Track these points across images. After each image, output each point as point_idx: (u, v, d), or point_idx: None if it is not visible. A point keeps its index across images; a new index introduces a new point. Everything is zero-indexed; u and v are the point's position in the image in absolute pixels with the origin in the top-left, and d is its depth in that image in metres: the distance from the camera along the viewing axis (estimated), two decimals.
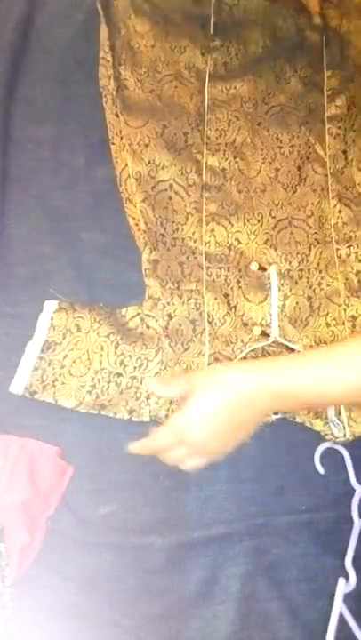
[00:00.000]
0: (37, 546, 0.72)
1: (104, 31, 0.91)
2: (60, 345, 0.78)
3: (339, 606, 0.73)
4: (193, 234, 0.84)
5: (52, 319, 0.79)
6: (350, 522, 0.77)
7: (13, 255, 0.85)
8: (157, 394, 0.72)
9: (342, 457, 0.78)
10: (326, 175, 0.88)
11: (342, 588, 0.73)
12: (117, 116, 0.87)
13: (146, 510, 0.76)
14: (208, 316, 0.81)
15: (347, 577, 0.74)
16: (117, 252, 0.84)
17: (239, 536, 0.76)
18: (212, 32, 0.93)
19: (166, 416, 0.77)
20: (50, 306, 0.80)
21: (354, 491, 0.77)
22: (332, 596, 0.74)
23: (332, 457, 0.79)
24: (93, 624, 0.72)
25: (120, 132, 0.86)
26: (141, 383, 0.77)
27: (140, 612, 0.73)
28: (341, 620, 0.73)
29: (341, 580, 0.74)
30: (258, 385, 0.64)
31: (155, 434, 0.67)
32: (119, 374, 0.77)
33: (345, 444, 0.79)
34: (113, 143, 0.86)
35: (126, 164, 0.84)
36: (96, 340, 0.78)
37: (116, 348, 0.78)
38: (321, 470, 0.78)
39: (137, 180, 0.83)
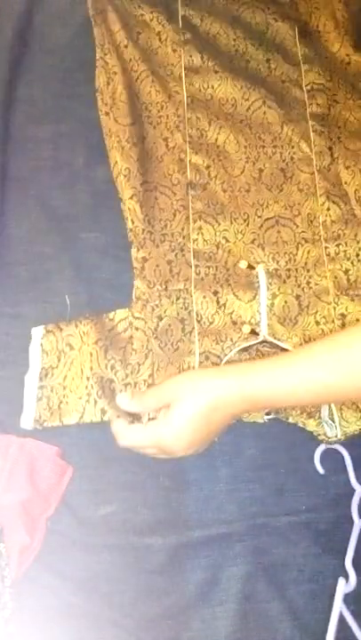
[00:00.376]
0: (37, 546, 0.71)
1: (98, 33, 0.91)
2: (57, 368, 0.76)
3: (339, 606, 0.73)
4: (182, 229, 0.84)
5: (41, 345, 0.77)
6: (350, 522, 0.76)
7: (13, 255, 0.85)
8: (129, 410, 0.71)
9: (342, 457, 0.78)
10: (313, 173, 0.88)
11: (342, 588, 0.73)
12: (107, 114, 0.87)
13: (146, 511, 0.76)
14: (197, 314, 0.80)
15: (347, 577, 0.74)
16: (117, 252, 0.83)
17: (239, 536, 0.76)
18: (181, 26, 0.93)
19: None
20: (37, 333, 0.78)
21: (354, 491, 0.77)
22: (332, 596, 0.73)
23: (332, 457, 0.79)
24: (93, 624, 0.72)
25: (110, 130, 0.86)
26: (136, 387, 0.77)
27: (139, 612, 0.73)
28: (341, 620, 0.73)
29: (341, 581, 0.74)
30: (231, 390, 0.66)
31: (133, 432, 0.70)
32: (111, 380, 0.76)
33: (345, 444, 0.78)
34: (106, 142, 0.87)
35: (116, 162, 0.84)
36: (86, 350, 0.77)
37: (105, 352, 0.76)
38: (321, 470, 0.78)
39: (126, 176, 0.83)
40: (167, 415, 0.67)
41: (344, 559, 0.75)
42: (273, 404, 0.71)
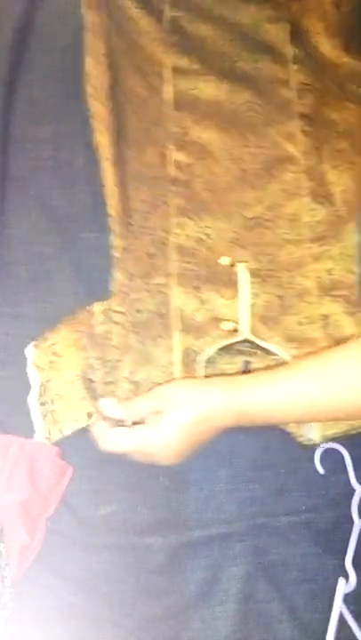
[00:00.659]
0: (37, 546, 0.71)
1: (88, 17, 0.91)
2: (51, 382, 0.75)
3: (339, 606, 0.73)
4: (163, 223, 0.83)
5: (34, 363, 0.76)
6: (350, 522, 0.76)
7: (13, 255, 0.85)
8: (114, 417, 0.71)
9: (342, 457, 0.78)
10: (299, 173, 0.87)
11: (342, 588, 0.73)
12: (92, 96, 0.87)
13: (146, 511, 0.76)
14: (177, 310, 0.80)
15: (347, 577, 0.74)
16: None
17: (239, 536, 0.76)
18: (169, 27, 0.93)
19: None
20: (29, 352, 0.77)
21: (354, 491, 0.77)
22: (332, 596, 0.73)
23: (332, 457, 0.78)
24: (93, 624, 0.72)
25: (96, 112, 0.86)
26: (117, 385, 0.76)
27: (139, 612, 0.73)
28: (342, 620, 0.73)
29: (341, 581, 0.74)
30: (221, 403, 0.66)
31: (117, 436, 0.70)
32: (91, 380, 0.75)
33: (345, 444, 0.78)
34: (92, 124, 0.86)
35: (102, 145, 0.84)
36: (68, 350, 0.76)
37: (85, 351, 0.76)
38: (321, 470, 0.78)
39: (108, 160, 0.83)
40: (158, 422, 0.67)
41: (344, 559, 0.75)
42: (263, 419, 0.70)
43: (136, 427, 0.70)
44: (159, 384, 0.76)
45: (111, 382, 0.76)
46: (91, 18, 0.91)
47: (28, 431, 0.74)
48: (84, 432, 0.76)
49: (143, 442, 0.68)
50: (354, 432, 0.76)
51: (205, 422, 0.66)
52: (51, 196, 0.87)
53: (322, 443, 0.76)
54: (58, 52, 0.91)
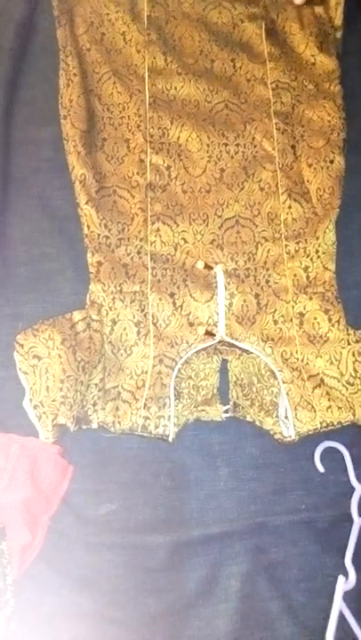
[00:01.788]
0: (38, 545, 0.72)
1: (61, 35, 0.92)
2: (36, 384, 0.75)
3: (338, 604, 0.73)
4: (139, 232, 0.83)
5: (20, 370, 0.75)
6: (350, 520, 0.77)
7: (14, 255, 0.85)
8: None
9: (342, 456, 0.79)
10: (275, 171, 0.88)
11: (342, 586, 0.74)
12: (65, 118, 0.87)
13: (146, 509, 0.76)
14: (153, 317, 0.80)
15: (346, 575, 0.74)
16: None
17: (239, 535, 0.76)
18: (146, 26, 0.93)
19: (113, 422, 0.75)
20: (16, 358, 0.76)
21: (353, 489, 0.78)
22: (331, 594, 0.74)
23: (331, 456, 0.79)
24: (94, 623, 0.72)
25: (67, 134, 0.86)
26: (88, 390, 0.76)
27: (140, 610, 0.73)
28: (341, 618, 0.73)
29: (341, 579, 0.74)
30: None
31: None
32: (82, 382, 0.75)
33: (345, 444, 0.79)
34: (65, 146, 0.87)
35: (73, 167, 0.84)
36: (55, 353, 0.75)
37: (75, 354, 0.75)
38: (321, 469, 0.78)
39: (81, 182, 0.83)
40: None
41: (344, 557, 0.75)
42: None
43: None
44: (129, 392, 0.76)
45: (83, 384, 0.76)
46: (61, 35, 0.91)
47: (29, 431, 0.75)
48: (85, 431, 0.76)
49: None
50: (328, 428, 0.76)
51: None
52: (52, 196, 0.87)
53: (297, 439, 0.76)
54: (58, 53, 0.91)
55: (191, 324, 0.80)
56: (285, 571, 0.76)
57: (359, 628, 0.73)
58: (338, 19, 0.98)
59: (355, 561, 0.75)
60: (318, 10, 0.99)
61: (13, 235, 0.86)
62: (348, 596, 0.74)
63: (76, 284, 0.83)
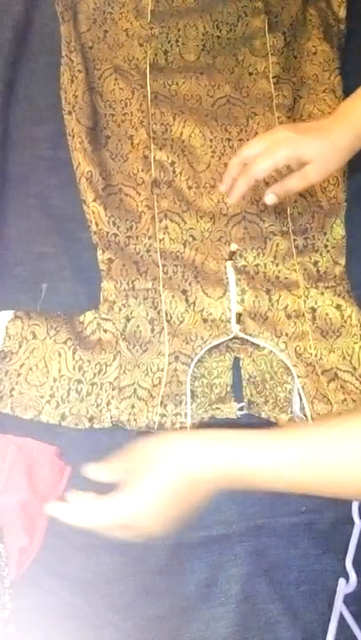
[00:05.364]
0: (36, 547, 0.71)
1: (64, 30, 0.91)
2: (16, 354, 0.76)
3: (339, 607, 0.72)
4: (147, 230, 0.83)
5: (7, 329, 0.77)
6: (351, 522, 0.76)
7: (13, 255, 0.85)
8: (98, 479, 0.59)
9: None
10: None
11: (343, 588, 0.73)
12: (70, 113, 0.87)
13: None
14: (166, 314, 0.80)
15: (347, 578, 0.74)
16: None
17: (239, 537, 0.75)
18: (149, 20, 0.93)
19: (128, 420, 0.76)
20: (4, 315, 0.78)
21: None
22: (332, 597, 0.73)
23: None
24: (92, 625, 0.71)
25: (72, 129, 0.86)
26: (101, 389, 0.76)
27: (139, 613, 0.73)
28: (342, 620, 0.72)
29: (342, 581, 0.73)
30: (218, 464, 0.54)
31: (96, 516, 0.57)
32: (79, 381, 0.76)
33: None
34: (69, 142, 0.86)
35: (79, 164, 0.84)
36: (53, 346, 0.76)
37: (73, 353, 0.76)
38: None
39: (88, 179, 0.83)
40: (135, 486, 0.55)
41: (344, 560, 0.75)
42: (271, 485, 0.56)
43: (103, 497, 0.57)
44: (145, 389, 0.76)
45: (95, 384, 0.76)
46: (65, 31, 0.91)
47: (26, 432, 0.75)
48: (84, 431, 0.76)
49: (118, 511, 0.55)
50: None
51: (194, 487, 0.54)
52: (50, 195, 0.87)
53: None
54: (57, 52, 0.91)
55: (205, 321, 0.80)
56: (286, 573, 0.75)
57: (360, 630, 0.72)
58: (341, 11, 0.97)
59: (355, 563, 0.74)
60: (321, 3, 0.98)
61: (12, 234, 0.86)
62: (348, 599, 0.73)
63: (74, 284, 0.83)
